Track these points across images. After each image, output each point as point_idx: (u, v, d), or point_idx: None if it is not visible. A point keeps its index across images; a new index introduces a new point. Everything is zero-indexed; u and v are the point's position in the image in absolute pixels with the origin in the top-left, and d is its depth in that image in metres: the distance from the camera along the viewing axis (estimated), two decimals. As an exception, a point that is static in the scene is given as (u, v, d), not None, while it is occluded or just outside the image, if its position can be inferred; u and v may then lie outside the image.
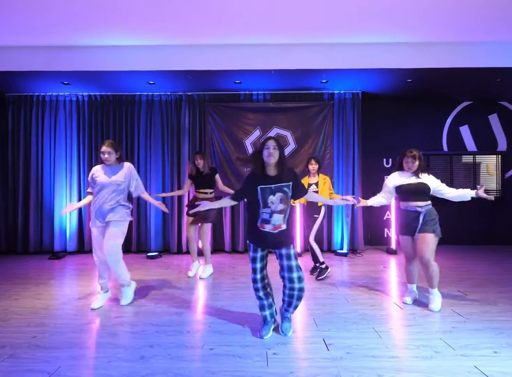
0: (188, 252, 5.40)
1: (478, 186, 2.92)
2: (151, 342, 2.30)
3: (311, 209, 3.97)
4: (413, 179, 2.96)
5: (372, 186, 5.87)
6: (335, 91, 5.46)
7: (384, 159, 5.99)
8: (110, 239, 2.93)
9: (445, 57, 4.46)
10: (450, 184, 6.01)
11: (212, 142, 5.40)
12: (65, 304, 3.09)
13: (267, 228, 2.31)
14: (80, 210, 5.45)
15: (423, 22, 3.87)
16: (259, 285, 2.40)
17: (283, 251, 2.32)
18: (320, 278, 3.84)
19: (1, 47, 4.50)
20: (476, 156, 6.08)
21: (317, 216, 3.94)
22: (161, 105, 5.51)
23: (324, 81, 5.02)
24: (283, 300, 2.43)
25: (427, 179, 2.96)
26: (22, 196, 5.48)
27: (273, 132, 5.40)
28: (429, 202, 2.95)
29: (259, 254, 2.38)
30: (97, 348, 2.24)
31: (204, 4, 3.48)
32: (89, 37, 4.28)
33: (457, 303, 3.01)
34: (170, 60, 4.55)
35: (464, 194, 2.91)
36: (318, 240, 5.30)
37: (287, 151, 5.38)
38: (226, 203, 2.54)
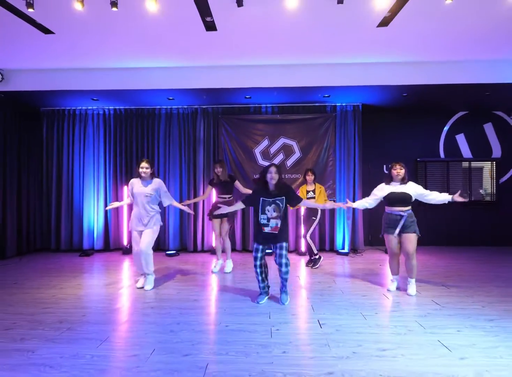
0: (203, 251, 5.98)
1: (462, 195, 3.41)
2: (177, 320, 2.84)
3: (310, 212, 4.78)
4: (398, 188, 3.48)
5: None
6: (337, 104, 5.96)
7: (384, 166, 6.43)
8: (146, 238, 3.69)
9: (436, 74, 4.91)
10: (447, 189, 6.42)
11: (225, 152, 5.95)
12: (101, 292, 3.67)
13: (267, 229, 3.21)
14: (106, 212, 6.07)
15: (417, 43, 4.29)
16: (258, 267, 3.27)
17: (278, 244, 3.22)
18: (315, 266, 4.73)
19: (41, 69, 5.15)
20: (472, 162, 6.46)
21: (315, 218, 4.76)
22: (179, 118, 6.10)
23: (326, 95, 5.52)
24: (280, 276, 3.30)
25: (410, 186, 3.49)
26: (55, 199, 6.13)
27: (280, 141, 5.92)
28: (410, 207, 3.51)
29: (260, 247, 3.28)
30: (134, 324, 2.79)
31: (217, 31, 4.01)
32: (116, 60, 4.87)
33: (438, 295, 3.47)
34: (188, 79, 5.12)
35: (443, 198, 3.44)
36: (320, 239, 5.93)
37: (293, 159, 5.90)
38: (238, 206, 3.48)
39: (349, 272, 4.58)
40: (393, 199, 3.49)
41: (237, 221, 5.97)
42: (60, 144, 6.22)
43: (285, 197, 3.22)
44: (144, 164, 3.74)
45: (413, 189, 3.49)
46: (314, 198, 4.74)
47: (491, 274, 4.31)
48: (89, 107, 6.16)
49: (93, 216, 6.11)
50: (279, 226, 3.20)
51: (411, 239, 3.42)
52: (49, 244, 6.18)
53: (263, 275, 3.35)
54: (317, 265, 4.74)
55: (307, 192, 4.81)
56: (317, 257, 4.79)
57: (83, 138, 6.20)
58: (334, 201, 3.84)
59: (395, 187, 3.51)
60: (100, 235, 6.07)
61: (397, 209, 3.47)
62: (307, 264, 4.86)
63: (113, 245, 6.11)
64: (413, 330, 2.61)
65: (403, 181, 3.52)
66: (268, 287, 3.43)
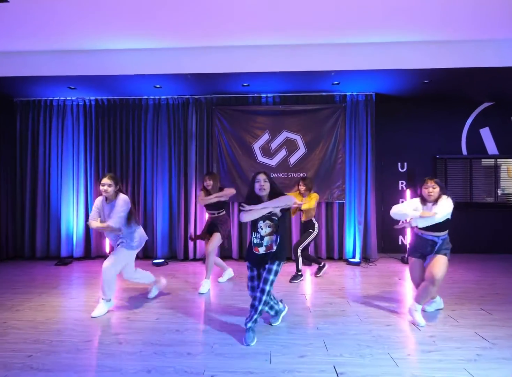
0: (195, 259, 5.30)
1: None
2: (148, 366, 2.16)
3: (309, 224, 4.24)
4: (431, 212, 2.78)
5: (386, 192, 5.63)
6: (347, 93, 5.24)
7: (399, 164, 5.72)
8: (110, 258, 3.10)
9: (465, 56, 4.20)
10: (470, 190, 5.73)
11: (220, 146, 5.26)
12: (65, 318, 2.98)
13: (261, 250, 2.58)
14: (87, 216, 5.38)
15: (442, 18, 3.61)
16: (251, 300, 2.59)
17: (267, 265, 2.54)
18: (294, 281, 4.09)
19: (9, 52, 4.46)
20: (498, 160, 5.75)
21: (312, 230, 4.21)
22: (168, 109, 5.40)
23: (335, 83, 4.81)
24: (249, 309, 2.57)
25: (445, 206, 2.76)
26: (29, 200, 5.45)
27: (283, 136, 5.21)
28: (446, 232, 2.86)
29: (255, 273, 2.64)
30: (91, 371, 2.11)
31: (210, 4, 3.33)
32: (95, 41, 4.19)
33: (480, 324, 2.78)
34: (176, 63, 4.42)
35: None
36: (328, 247, 5.27)
37: (297, 155, 5.20)
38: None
39: (364, 288, 3.89)
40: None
41: (234, 225, 5.27)
42: (35, 139, 5.52)
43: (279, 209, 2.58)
44: (105, 180, 2.98)
45: (445, 212, 2.75)
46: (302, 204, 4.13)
47: (534, 292, 3.62)
48: (67, 98, 5.47)
49: (72, 219, 5.43)
50: (272, 244, 2.57)
51: (440, 260, 2.75)
52: (22, 251, 5.50)
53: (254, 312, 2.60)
54: (297, 281, 4.11)
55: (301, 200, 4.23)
56: (300, 273, 4.18)
57: (61, 133, 5.50)
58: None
59: (429, 210, 2.82)
60: (80, 241, 5.39)
61: (431, 233, 2.82)
62: (291, 280, 4.11)
63: (94, 253, 5.42)
64: (465, 386, 1.92)
65: (436, 202, 2.81)
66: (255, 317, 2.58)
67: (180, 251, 5.30)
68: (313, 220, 4.23)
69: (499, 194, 5.78)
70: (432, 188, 2.80)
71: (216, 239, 3.85)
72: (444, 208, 2.74)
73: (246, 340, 2.45)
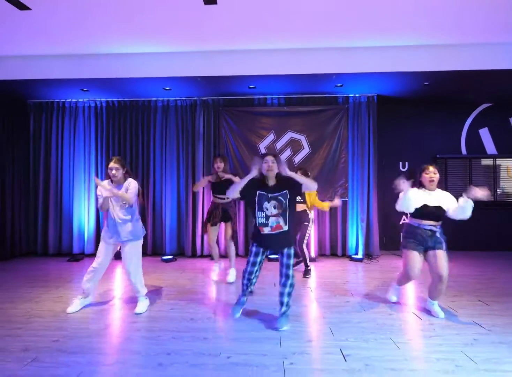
0: (202, 256, 5.46)
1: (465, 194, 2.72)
2: (168, 349, 2.32)
3: (300, 216, 4.22)
4: (432, 199, 2.81)
5: (388, 191, 5.78)
6: (349, 95, 5.41)
7: (400, 163, 5.89)
8: (129, 257, 3.12)
9: (464, 59, 4.36)
10: (469, 188, 5.86)
11: (226, 147, 5.43)
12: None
13: (266, 230, 2.64)
14: (97, 213, 5.58)
15: (441, 23, 3.78)
16: (252, 274, 2.77)
17: (285, 251, 2.65)
18: (308, 276, 4.21)
19: (24, 56, 4.65)
20: (497, 159, 5.90)
21: (307, 223, 4.28)
22: (177, 110, 5.58)
23: (338, 85, 4.98)
24: (279, 299, 2.69)
25: (445, 199, 2.84)
26: (42, 198, 5.63)
27: (287, 136, 5.39)
28: (440, 223, 2.88)
29: (260, 250, 2.72)
30: (115, 354, 2.28)
31: (217, 10, 3.50)
32: (107, 45, 4.36)
33: (479, 314, 2.93)
34: (186, 66, 4.60)
35: (461, 205, 2.74)
36: (331, 244, 5.44)
37: (301, 155, 5.36)
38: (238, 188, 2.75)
39: (366, 282, 4.05)
40: (425, 213, 2.82)
41: (240, 221, 5.44)
42: (48, 139, 5.71)
43: (288, 191, 2.61)
44: (112, 164, 2.99)
45: (448, 204, 2.81)
46: (302, 202, 4.24)
47: (530, 286, 3.77)
48: (79, 100, 5.65)
49: (84, 217, 5.61)
50: (281, 224, 2.61)
51: (443, 259, 2.76)
52: (35, 248, 5.68)
53: (251, 287, 2.89)
54: (309, 275, 4.25)
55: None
56: (309, 267, 4.29)
57: (73, 133, 5.69)
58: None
59: (429, 198, 2.81)
60: (91, 238, 5.56)
61: (428, 223, 2.83)
62: (304, 275, 4.24)
63: (104, 249, 5.59)
64: (462, 366, 2.07)
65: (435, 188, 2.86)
66: (250, 293, 2.99)
67: (188, 248, 5.47)
68: (307, 210, 4.29)
69: (499, 193, 5.93)
70: (433, 174, 2.80)
71: (231, 228, 4.02)
72: (451, 198, 2.83)
73: (280, 324, 2.59)
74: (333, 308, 3.12)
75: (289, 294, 2.65)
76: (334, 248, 5.52)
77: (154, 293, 3.59)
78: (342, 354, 2.23)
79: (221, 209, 4.00)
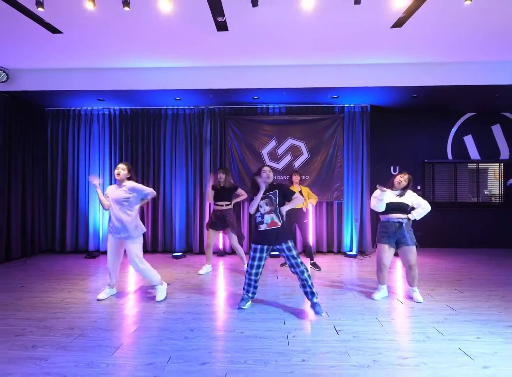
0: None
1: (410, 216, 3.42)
2: (190, 327, 2.79)
3: (299, 215, 4.75)
4: (395, 198, 3.42)
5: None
6: (345, 105, 5.90)
7: (392, 167, 6.38)
8: (131, 253, 3.44)
9: (447, 75, 4.86)
10: (454, 190, 6.39)
11: (232, 153, 5.90)
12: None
13: (262, 227, 3.07)
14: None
15: (426, 43, 4.25)
16: (254, 268, 3.13)
17: (284, 246, 3.02)
18: (318, 269, 4.73)
19: (46, 69, 5.09)
20: (480, 164, 6.42)
21: (307, 220, 4.86)
22: (185, 118, 6.05)
23: (335, 96, 5.47)
24: (303, 290, 3.08)
25: (407, 196, 3.42)
26: (60, 200, 6.08)
27: (288, 142, 5.87)
28: (406, 216, 3.39)
29: (258, 247, 3.09)
30: (147, 330, 2.74)
31: (227, 34, 3.96)
32: (122, 60, 4.80)
33: (452, 300, 3.43)
34: (195, 80, 5.07)
35: (419, 212, 3.42)
36: (328, 241, 5.95)
37: (300, 160, 5.85)
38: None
39: (359, 275, 4.54)
40: (391, 207, 3.39)
41: (244, 222, 5.92)
42: (65, 144, 6.16)
43: (277, 191, 3.11)
44: (121, 164, 3.43)
45: (410, 198, 3.42)
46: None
47: (503, 277, 4.27)
48: (94, 108, 6.11)
49: (99, 217, 6.06)
50: (275, 220, 3.04)
51: (413, 251, 3.33)
52: (53, 246, 6.13)
53: (255, 283, 3.21)
54: (318, 269, 4.76)
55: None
56: (316, 265, 4.82)
57: (89, 139, 6.14)
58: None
59: (392, 197, 3.41)
60: (105, 236, 6.01)
61: (395, 216, 3.38)
62: (314, 267, 4.79)
63: (118, 247, 6.04)
64: (431, 337, 2.56)
65: (403, 192, 3.43)
66: (256, 292, 3.28)
67: (196, 245, 5.94)
68: (303, 208, 4.75)
69: (488, 194, 6.45)
70: (403, 179, 3.41)
71: (233, 234, 4.48)
72: (420, 199, 3.43)
73: (319, 312, 2.99)
74: (329, 295, 3.60)
75: (310, 285, 3.00)
76: (330, 245, 6.01)
77: (171, 285, 4.05)
78: (335, 329, 2.71)
79: (219, 215, 4.50)
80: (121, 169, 3.39)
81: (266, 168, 3.19)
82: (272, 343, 2.48)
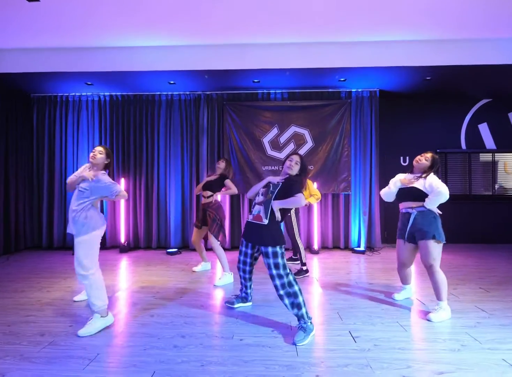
0: (206, 249, 5.51)
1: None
2: (181, 332, 2.39)
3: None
4: (412, 182, 2.75)
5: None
6: (352, 90, 5.48)
7: (401, 157, 5.97)
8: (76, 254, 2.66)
9: (465, 54, 4.44)
10: (468, 182, 5.98)
11: (230, 141, 5.48)
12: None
13: (249, 217, 2.59)
14: (102, 207, 5.61)
15: (442, 18, 3.84)
16: (240, 263, 2.76)
17: (262, 248, 2.43)
18: (298, 276, 3.85)
19: (27, 49, 4.66)
20: (496, 154, 6.01)
21: (289, 213, 3.85)
22: (180, 105, 5.62)
23: (342, 79, 5.04)
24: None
25: (428, 180, 2.68)
26: (47, 192, 5.66)
27: (291, 130, 5.45)
28: (422, 203, 2.68)
29: (243, 249, 2.70)
30: (131, 337, 2.34)
31: (222, 5, 3.55)
32: (112, 38, 4.39)
33: (479, 300, 3.02)
34: (190, 60, 4.64)
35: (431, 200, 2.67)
36: (334, 236, 5.56)
37: (305, 149, 5.43)
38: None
39: (369, 272, 4.13)
40: (400, 195, 2.82)
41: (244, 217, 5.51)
42: (52, 133, 5.73)
43: (283, 183, 2.50)
44: (99, 147, 2.72)
45: (426, 183, 2.66)
46: None
47: (529, 275, 3.87)
48: (83, 94, 5.67)
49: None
50: (261, 215, 2.44)
51: (427, 248, 2.60)
52: (40, 242, 5.72)
53: (245, 282, 2.84)
54: (304, 275, 3.89)
55: None
56: (305, 268, 3.93)
57: (77, 127, 5.71)
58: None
59: (410, 181, 2.76)
60: (95, 232, 5.59)
61: (406, 205, 2.78)
62: (297, 274, 3.87)
63: (109, 243, 5.64)
64: (467, 345, 2.16)
65: (422, 175, 2.73)
66: (248, 293, 2.88)
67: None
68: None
69: (496, 188, 6.04)
70: (423, 158, 2.77)
71: (209, 232, 3.76)
72: (435, 181, 2.64)
73: (295, 339, 2.22)
74: (339, 295, 3.20)
75: (292, 304, 2.28)
76: (336, 241, 5.61)
77: (163, 283, 3.65)
78: (352, 336, 2.31)
79: (202, 210, 3.90)
80: (98, 152, 2.67)
81: (294, 157, 2.62)
82: (278, 354, 2.07)
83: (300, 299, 2.30)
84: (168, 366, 1.94)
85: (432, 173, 2.74)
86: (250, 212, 2.64)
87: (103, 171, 2.72)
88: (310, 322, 2.33)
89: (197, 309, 2.85)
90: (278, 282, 2.32)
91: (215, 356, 2.05)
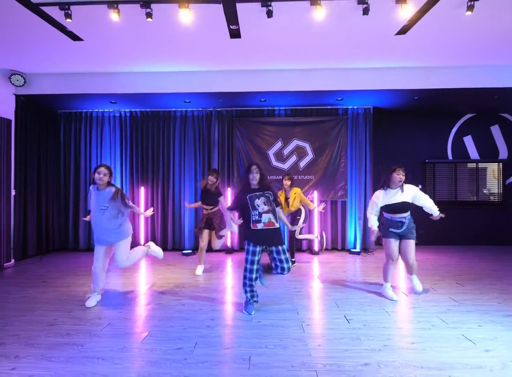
0: (217, 250, 6.12)
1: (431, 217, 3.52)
2: (211, 316, 2.99)
3: (295, 214, 4.91)
4: (397, 198, 3.39)
5: (383, 192, 6.50)
6: (349, 107, 6.10)
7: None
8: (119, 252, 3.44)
9: (447, 79, 5.07)
10: (454, 189, 6.60)
11: (239, 153, 6.09)
12: (129, 290, 3.80)
13: (259, 226, 2.97)
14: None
15: (430, 49, 4.42)
16: (253, 273, 3.02)
17: (280, 248, 2.98)
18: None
19: (60, 73, 5.27)
20: (479, 164, 6.63)
21: (299, 217, 4.88)
22: (194, 120, 6.24)
23: (339, 99, 5.67)
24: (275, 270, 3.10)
25: (407, 192, 3.40)
26: (73, 199, 6.26)
27: (293, 143, 6.06)
28: (409, 213, 3.46)
29: (257, 249, 2.98)
30: (171, 319, 2.93)
31: (237, 39, 4.15)
32: (137, 65, 4.99)
33: (454, 292, 3.63)
34: (206, 83, 5.26)
35: (434, 210, 3.46)
36: (332, 238, 6.11)
37: (306, 160, 6.04)
38: (228, 215, 3.59)
39: (363, 270, 4.74)
40: (392, 209, 3.43)
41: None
42: (77, 146, 6.34)
43: (272, 193, 3.05)
44: (102, 169, 3.15)
45: (410, 194, 3.40)
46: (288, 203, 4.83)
47: (501, 273, 4.47)
48: (105, 110, 6.29)
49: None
50: (272, 220, 2.97)
51: (410, 245, 3.41)
52: (67, 244, 6.31)
53: (253, 291, 3.10)
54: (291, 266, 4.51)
55: (286, 198, 4.86)
56: (293, 260, 4.81)
57: (100, 140, 6.33)
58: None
59: (394, 197, 3.39)
60: (116, 235, 6.19)
61: (398, 216, 3.43)
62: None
63: (132, 245, 6.21)
64: (436, 325, 2.76)
65: (402, 187, 3.40)
66: (257, 295, 3.16)
67: (205, 243, 6.12)
68: (301, 208, 4.87)
69: (487, 193, 6.66)
70: (402, 175, 3.38)
71: (216, 237, 4.50)
72: (425, 196, 3.45)
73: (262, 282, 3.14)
74: (336, 288, 3.80)
75: (287, 263, 2.99)
76: (334, 243, 6.21)
77: (184, 279, 4.25)
78: (346, 319, 2.91)
79: (206, 218, 4.45)
80: (103, 174, 3.12)
81: (254, 168, 3.02)
82: (289, 331, 2.67)
83: (288, 257, 3.06)
84: (205, 339, 2.54)
85: (406, 185, 3.45)
86: (255, 222, 2.95)
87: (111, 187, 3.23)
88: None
89: (219, 300, 3.44)
90: (287, 265, 3.00)
91: (240, 333, 2.65)
